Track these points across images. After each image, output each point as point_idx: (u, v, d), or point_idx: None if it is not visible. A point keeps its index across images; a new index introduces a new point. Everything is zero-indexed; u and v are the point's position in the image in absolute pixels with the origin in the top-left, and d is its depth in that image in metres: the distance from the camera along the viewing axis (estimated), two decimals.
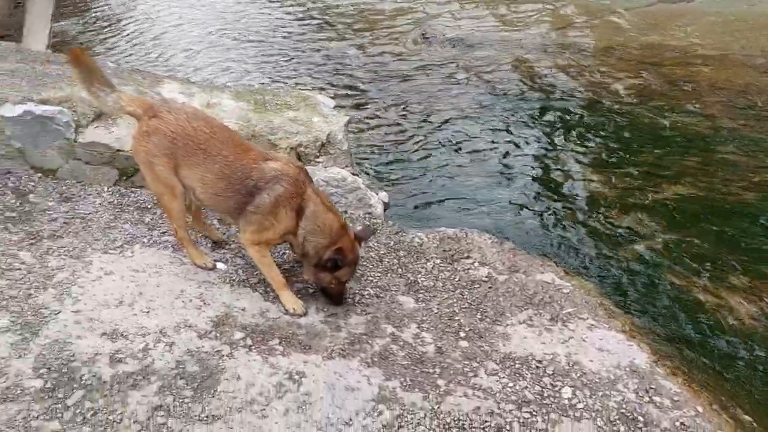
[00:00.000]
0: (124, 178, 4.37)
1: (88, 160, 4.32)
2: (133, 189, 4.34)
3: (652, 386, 3.25)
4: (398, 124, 6.57)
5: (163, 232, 3.97)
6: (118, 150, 4.29)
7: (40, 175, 4.34)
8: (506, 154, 6.05)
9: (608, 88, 7.30)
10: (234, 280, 3.68)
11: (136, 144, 3.45)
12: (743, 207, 5.23)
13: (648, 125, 6.55)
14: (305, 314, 3.51)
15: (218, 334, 3.26)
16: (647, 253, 4.68)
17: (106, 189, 4.31)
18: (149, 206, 4.19)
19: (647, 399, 3.19)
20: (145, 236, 3.91)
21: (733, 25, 8.95)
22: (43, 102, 4.30)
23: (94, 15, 10.04)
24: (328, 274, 3.47)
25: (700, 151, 6.03)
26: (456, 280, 3.95)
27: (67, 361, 2.97)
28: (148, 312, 3.33)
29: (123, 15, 9.94)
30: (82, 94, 4.22)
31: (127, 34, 8.92)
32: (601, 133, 6.49)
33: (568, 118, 6.72)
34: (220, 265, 3.77)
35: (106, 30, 9.14)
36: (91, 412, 2.75)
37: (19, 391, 2.79)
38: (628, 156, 6.02)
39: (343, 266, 3.44)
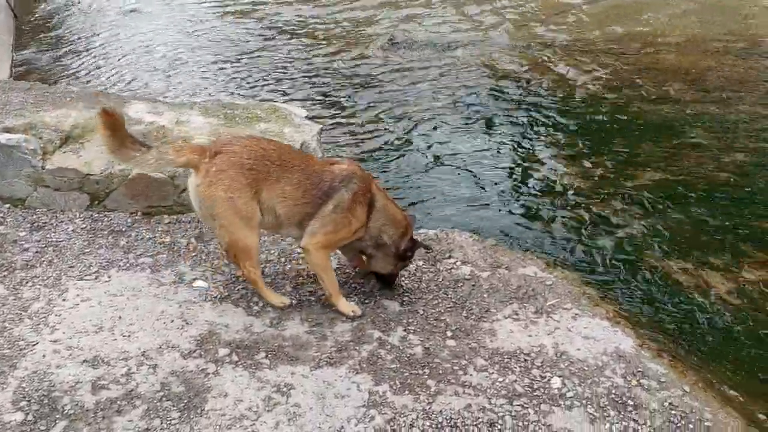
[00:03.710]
0: (96, 202, 4.30)
1: (58, 186, 4.25)
2: (106, 213, 4.27)
3: (639, 369, 3.27)
4: (369, 130, 6.57)
5: (139, 255, 3.91)
6: (88, 174, 4.23)
7: (8, 205, 4.26)
8: (479, 153, 6.07)
9: (575, 82, 7.38)
10: (215, 297, 3.63)
11: (211, 186, 3.26)
12: (716, 187, 5.31)
13: (617, 115, 6.64)
14: (363, 315, 3.58)
15: (202, 353, 3.21)
16: (626, 240, 4.73)
17: (78, 215, 4.23)
18: (123, 229, 4.13)
19: (635, 382, 3.20)
20: (121, 260, 3.85)
21: (693, 11, 9.15)
22: (7, 131, 4.22)
23: (56, 42, 9.91)
24: (403, 262, 3.72)
25: (670, 137, 6.12)
26: (439, 280, 3.94)
27: (47, 391, 2.91)
28: (128, 336, 3.27)
29: (87, 40, 9.82)
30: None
31: (92, 59, 8.81)
32: (572, 126, 6.56)
33: (538, 113, 6.78)
34: (200, 283, 3.72)
35: (70, 56, 9.02)
36: None
37: None
38: (600, 146, 6.09)
39: (414, 252, 3.74)
